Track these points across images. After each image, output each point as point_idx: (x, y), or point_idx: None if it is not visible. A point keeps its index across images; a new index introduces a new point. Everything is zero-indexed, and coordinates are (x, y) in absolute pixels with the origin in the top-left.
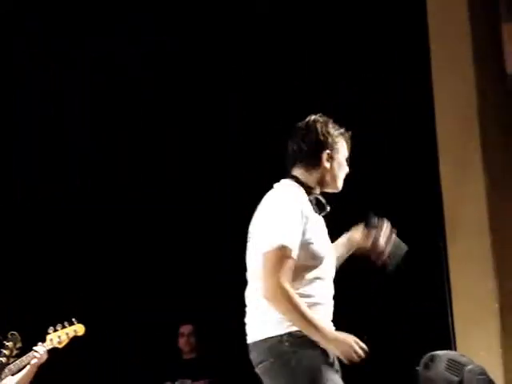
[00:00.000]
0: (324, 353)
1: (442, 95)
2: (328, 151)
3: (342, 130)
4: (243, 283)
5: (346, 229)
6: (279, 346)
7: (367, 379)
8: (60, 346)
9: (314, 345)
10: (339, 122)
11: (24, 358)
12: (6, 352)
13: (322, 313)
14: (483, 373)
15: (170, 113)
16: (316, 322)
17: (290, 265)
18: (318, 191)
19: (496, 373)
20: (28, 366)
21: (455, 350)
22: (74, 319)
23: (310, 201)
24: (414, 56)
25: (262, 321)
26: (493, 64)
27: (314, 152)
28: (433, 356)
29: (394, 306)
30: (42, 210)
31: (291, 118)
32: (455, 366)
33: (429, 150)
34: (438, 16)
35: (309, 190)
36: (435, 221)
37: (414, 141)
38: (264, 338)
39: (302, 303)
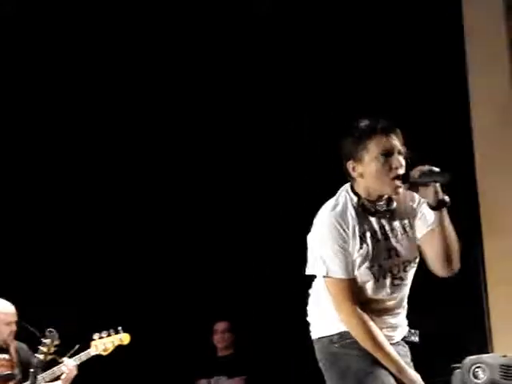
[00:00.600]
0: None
1: (478, 93)
2: (350, 161)
3: (368, 131)
4: (279, 280)
5: None
6: (330, 347)
7: None
8: (105, 354)
9: (359, 344)
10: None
11: (56, 368)
12: (44, 349)
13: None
14: None
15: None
16: (387, 351)
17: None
18: (368, 197)
19: None
20: (59, 382)
21: (492, 349)
22: (119, 328)
23: (357, 207)
24: (449, 52)
25: (317, 320)
26: None
27: (343, 166)
28: (481, 363)
29: (430, 303)
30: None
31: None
32: (507, 370)
33: (465, 149)
34: (473, 16)
35: (358, 196)
36: (472, 219)
37: (449, 142)
38: (318, 337)
39: (374, 332)
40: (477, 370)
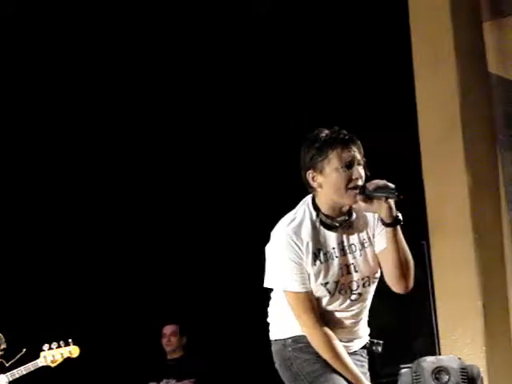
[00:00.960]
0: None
1: (424, 94)
2: (310, 171)
3: (330, 142)
4: (229, 283)
5: None
6: (283, 350)
7: None
8: (53, 365)
9: (313, 350)
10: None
11: None
12: None
13: None
14: (479, 371)
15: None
16: (345, 362)
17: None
18: (328, 211)
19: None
20: None
21: (439, 349)
22: (70, 340)
23: (315, 222)
24: (396, 55)
25: (275, 322)
26: (475, 62)
27: (302, 176)
28: (443, 367)
29: (377, 305)
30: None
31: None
32: (465, 373)
33: (411, 148)
34: (420, 14)
35: (317, 211)
36: (418, 220)
37: (396, 140)
38: (274, 339)
39: (333, 343)
40: (439, 375)
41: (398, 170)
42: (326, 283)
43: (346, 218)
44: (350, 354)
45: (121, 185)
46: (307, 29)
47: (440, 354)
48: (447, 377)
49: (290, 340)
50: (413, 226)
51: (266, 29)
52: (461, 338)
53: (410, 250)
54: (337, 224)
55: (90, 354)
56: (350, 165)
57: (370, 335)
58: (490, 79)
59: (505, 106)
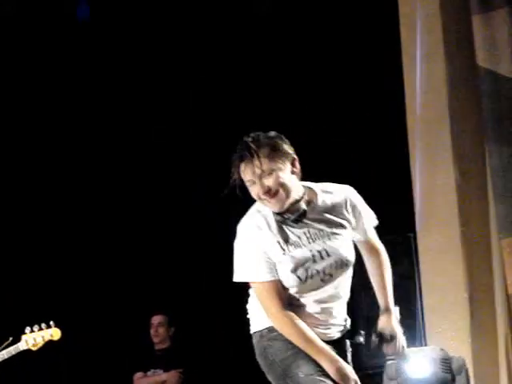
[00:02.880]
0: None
1: (412, 85)
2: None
3: (235, 160)
4: (218, 273)
5: None
6: (260, 341)
7: None
8: (34, 349)
9: (284, 337)
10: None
11: None
12: None
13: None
14: (465, 362)
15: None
16: (318, 345)
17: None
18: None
19: (466, 357)
20: None
21: (425, 341)
22: (51, 322)
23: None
24: (385, 46)
25: (253, 316)
26: (463, 55)
27: None
28: (422, 356)
29: (363, 297)
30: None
31: None
32: (447, 363)
33: (399, 141)
34: (408, 7)
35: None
36: (405, 213)
37: (384, 132)
38: (252, 332)
39: (303, 329)
40: (419, 362)
41: (386, 161)
42: (296, 270)
43: (301, 211)
44: (330, 342)
45: (111, 176)
46: (307, 29)
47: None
48: (428, 366)
49: (265, 330)
50: (400, 218)
51: (266, 29)
52: (447, 331)
53: (398, 242)
54: (292, 221)
55: (77, 344)
56: (252, 181)
57: (352, 326)
58: (479, 72)
59: (493, 99)
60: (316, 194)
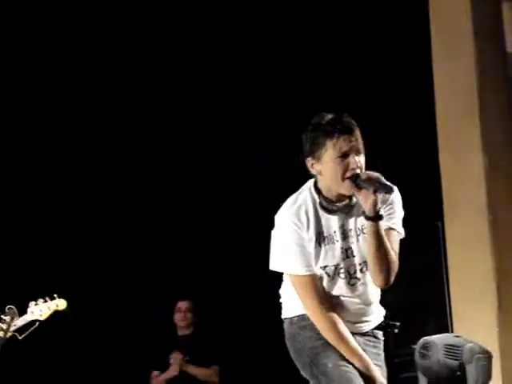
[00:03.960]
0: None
1: (441, 75)
2: (309, 158)
3: (327, 132)
4: (241, 261)
5: None
6: (290, 328)
7: None
8: (41, 319)
9: (314, 326)
10: (341, 109)
11: None
12: (4, 326)
13: None
14: (481, 351)
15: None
16: (348, 343)
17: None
18: (328, 194)
19: (493, 352)
20: None
21: (452, 330)
22: (55, 295)
23: (317, 205)
24: (414, 36)
25: (285, 302)
26: (493, 43)
27: (303, 161)
28: (428, 343)
29: (391, 287)
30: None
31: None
32: (453, 350)
33: (428, 129)
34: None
35: (319, 194)
36: (433, 201)
37: (413, 120)
38: (284, 318)
39: (337, 325)
40: (424, 351)
41: (414, 149)
42: (326, 266)
43: (347, 202)
44: (361, 334)
45: (137, 160)
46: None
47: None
48: (430, 353)
49: (296, 318)
50: (428, 206)
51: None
52: (474, 319)
53: (426, 231)
54: (336, 208)
55: (100, 330)
56: (346, 154)
57: (385, 317)
58: (509, 60)
59: None
60: None
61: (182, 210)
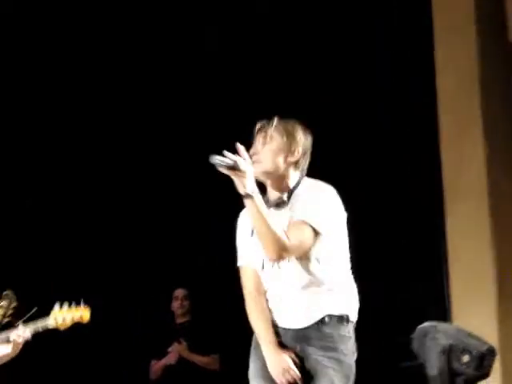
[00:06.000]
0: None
1: (443, 58)
2: None
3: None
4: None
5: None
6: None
7: (364, 348)
8: (62, 328)
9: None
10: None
11: (9, 332)
12: (0, 311)
13: None
14: (484, 345)
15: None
16: (260, 327)
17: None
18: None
19: (492, 340)
20: (11, 345)
21: (451, 317)
22: (82, 301)
23: None
24: (415, 17)
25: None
26: (495, 27)
27: None
28: (425, 331)
29: (391, 272)
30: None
31: None
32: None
33: (428, 112)
34: None
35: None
36: (434, 186)
37: (413, 103)
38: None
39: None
40: (421, 338)
41: (414, 135)
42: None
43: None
44: (290, 330)
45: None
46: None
47: (451, 323)
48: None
49: None
50: (428, 194)
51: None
52: (473, 307)
53: (426, 219)
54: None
55: (98, 320)
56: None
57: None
58: (511, 49)
59: None
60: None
61: (177, 199)
